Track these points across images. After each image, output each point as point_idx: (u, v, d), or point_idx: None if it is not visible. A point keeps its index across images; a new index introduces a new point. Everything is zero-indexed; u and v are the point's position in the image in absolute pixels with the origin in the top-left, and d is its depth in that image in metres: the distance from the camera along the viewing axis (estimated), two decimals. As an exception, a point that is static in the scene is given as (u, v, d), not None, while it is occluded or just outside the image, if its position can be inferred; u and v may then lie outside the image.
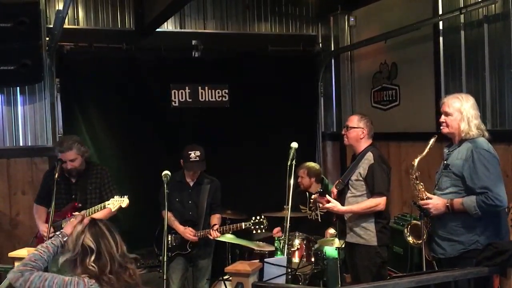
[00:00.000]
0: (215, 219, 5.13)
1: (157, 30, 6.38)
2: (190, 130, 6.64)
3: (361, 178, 4.44)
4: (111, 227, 2.91)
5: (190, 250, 5.06)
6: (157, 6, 5.76)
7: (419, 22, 5.70)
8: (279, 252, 5.20)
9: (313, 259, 5.22)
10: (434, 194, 3.80)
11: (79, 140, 4.70)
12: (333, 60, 7.40)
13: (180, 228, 5.04)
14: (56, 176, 4.44)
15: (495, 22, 4.90)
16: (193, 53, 6.80)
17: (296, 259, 5.15)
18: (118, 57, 6.42)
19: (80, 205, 4.54)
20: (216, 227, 5.00)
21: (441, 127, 3.81)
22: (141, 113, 6.48)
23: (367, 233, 4.42)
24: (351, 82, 7.25)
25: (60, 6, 6.00)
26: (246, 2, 7.08)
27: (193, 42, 6.79)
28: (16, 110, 5.96)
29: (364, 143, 4.55)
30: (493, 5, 4.85)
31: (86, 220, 2.90)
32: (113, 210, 4.35)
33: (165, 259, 4.21)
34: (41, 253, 2.90)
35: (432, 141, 3.81)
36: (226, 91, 6.92)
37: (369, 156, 4.45)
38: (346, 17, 7.15)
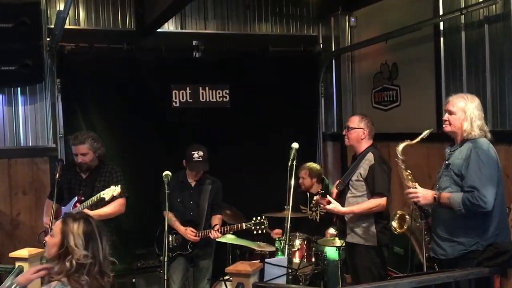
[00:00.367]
0: (216, 219, 5.13)
1: (158, 30, 6.37)
2: (191, 130, 6.63)
3: (361, 179, 4.45)
4: (102, 229, 2.93)
5: (191, 250, 5.06)
6: (157, 6, 5.76)
7: (419, 23, 5.68)
8: (279, 253, 5.20)
9: (313, 260, 5.23)
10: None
11: (94, 137, 4.80)
12: (333, 61, 7.38)
13: (181, 228, 5.04)
14: (57, 177, 4.52)
15: (495, 23, 4.89)
16: (194, 53, 6.79)
17: (296, 260, 5.16)
18: (118, 57, 6.41)
19: (83, 198, 4.60)
20: (217, 227, 5.00)
21: (444, 125, 3.80)
22: (142, 113, 6.47)
23: (368, 234, 4.43)
24: (351, 83, 7.23)
25: (61, 6, 6.00)
26: (247, 2, 7.06)
27: (194, 42, 6.78)
28: (17, 110, 5.96)
29: (365, 144, 4.56)
30: (494, 6, 4.84)
31: (42, 273, 2.90)
32: (106, 199, 4.40)
33: (165, 260, 4.22)
34: None
35: (426, 132, 3.82)
36: (227, 91, 6.90)
37: (370, 156, 4.46)
38: (346, 17, 7.13)
